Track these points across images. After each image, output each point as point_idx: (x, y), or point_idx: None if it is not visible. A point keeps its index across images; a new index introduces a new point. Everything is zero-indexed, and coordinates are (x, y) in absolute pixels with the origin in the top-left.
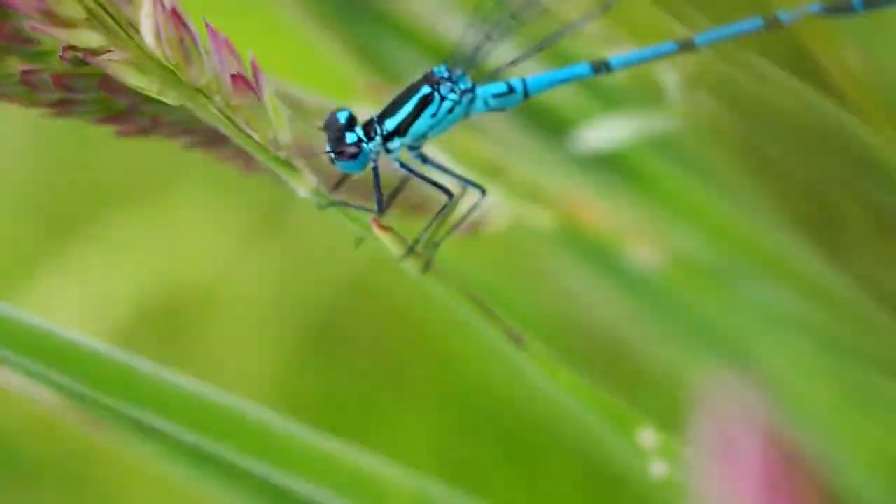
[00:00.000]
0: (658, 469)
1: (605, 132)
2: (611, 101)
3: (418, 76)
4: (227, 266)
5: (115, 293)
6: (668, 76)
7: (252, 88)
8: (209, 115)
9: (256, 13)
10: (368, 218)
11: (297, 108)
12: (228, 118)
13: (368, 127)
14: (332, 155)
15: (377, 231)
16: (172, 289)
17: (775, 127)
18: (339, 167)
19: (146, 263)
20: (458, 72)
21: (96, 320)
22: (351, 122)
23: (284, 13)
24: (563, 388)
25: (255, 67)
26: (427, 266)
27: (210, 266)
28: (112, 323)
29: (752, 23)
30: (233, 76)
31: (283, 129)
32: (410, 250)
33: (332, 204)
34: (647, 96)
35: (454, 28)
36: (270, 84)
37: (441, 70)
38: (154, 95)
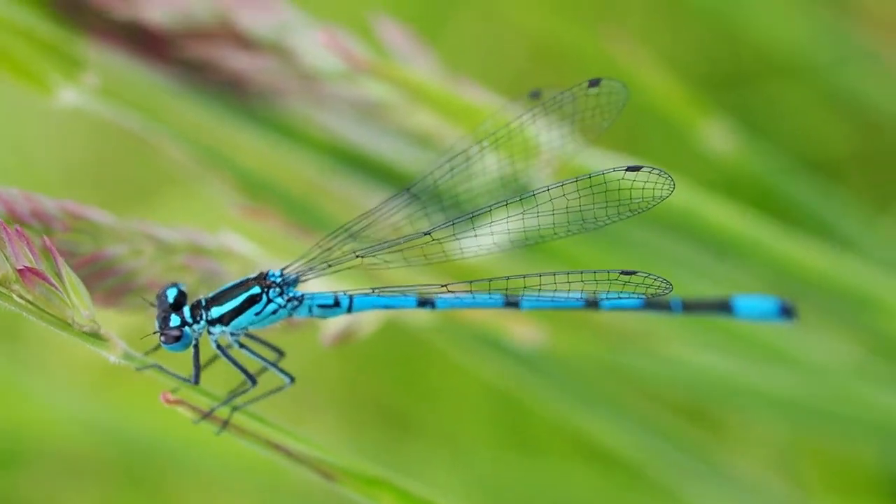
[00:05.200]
0: None
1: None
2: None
3: (253, 274)
4: None
5: None
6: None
7: (43, 278)
8: (12, 303)
9: None
10: (182, 385)
11: (160, 247)
12: (30, 303)
13: (196, 309)
14: (158, 335)
15: (167, 405)
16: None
17: None
18: (164, 347)
19: None
20: (292, 277)
21: None
22: (179, 303)
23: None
24: None
25: (53, 254)
26: (223, 427)
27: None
28: None
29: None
30: (20, 270)
31: (84, 307)
32: (204, 417)
33: (149, 367)
34: None
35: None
36: (127, 226)
37: (274, 275)
38: None
